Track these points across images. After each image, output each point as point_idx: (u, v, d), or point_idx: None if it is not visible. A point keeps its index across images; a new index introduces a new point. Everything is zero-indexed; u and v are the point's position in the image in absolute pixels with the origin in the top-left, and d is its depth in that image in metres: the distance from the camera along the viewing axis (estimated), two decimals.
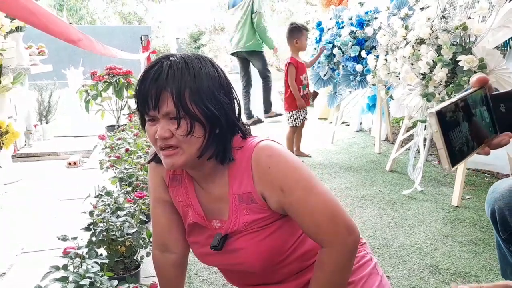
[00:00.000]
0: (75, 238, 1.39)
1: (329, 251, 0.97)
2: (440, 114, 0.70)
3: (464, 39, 2.46)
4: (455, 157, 0.71)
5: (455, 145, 0.71)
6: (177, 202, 1.11)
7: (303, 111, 3.77)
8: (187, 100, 0.90)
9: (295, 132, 3.83)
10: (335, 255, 0.96)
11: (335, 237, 0.95)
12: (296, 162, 0.98)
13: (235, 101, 1.00)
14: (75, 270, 1.23)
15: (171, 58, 0.93)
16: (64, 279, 1.19)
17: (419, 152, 2.96)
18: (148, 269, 1.76)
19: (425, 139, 2.93)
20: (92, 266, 1.24)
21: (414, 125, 2.97)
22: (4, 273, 1.88)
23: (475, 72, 2.34)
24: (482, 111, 0.77)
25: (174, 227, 1.14)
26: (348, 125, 5.19)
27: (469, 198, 2.68)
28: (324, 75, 4.20)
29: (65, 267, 1.24)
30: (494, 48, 2.44)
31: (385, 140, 4.31)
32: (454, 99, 0.73)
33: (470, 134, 0.74)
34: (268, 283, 1.10)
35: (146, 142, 2.82)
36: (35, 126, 4.33)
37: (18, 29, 3.52)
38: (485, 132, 0.77)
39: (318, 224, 0.95)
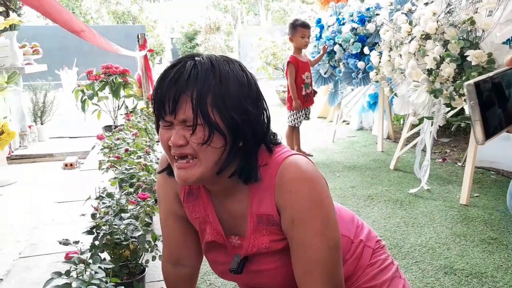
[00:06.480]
0: (77, 242, 1.32)
1: None
2: (477, 87, 0.70)
3: (471, 34, 2.41)
4: (488, 132, 0.72)
5: (489, 120, 0.72)
6: (193, 218, 1.02)
7: (306, 110, 3.70)
8: (209, 105, 0.79)
9: (294, 131, 3.76)
10: None
11: None
12: (320, 193, 0.86)
13: (265, 112, 0.89)
14: (78, 276, 1.15)
15: (195, 58, 0.83)
16: (67, 286, 1.12)
17: (424, 150, 2.91)
18: (153, 273, 1.68)
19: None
20: (97, 272, 1.17)
21: (420, 122, 2.92)
22: (1, 279, 1.80)
23: (483, 67, 2.29)
24: None
25: (188, 241, 1.06)
26: (348, 123, 5.14)
27: (476, 196, 2.63)
28: (325, 73, 4.14)
29: (68, 273, 1.16)
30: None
31: (386, 138, 4.26)
32: (490, 74, 0.73)
33: (503, 112, 0.75)
34: None
35: (146, 142, 2.75)
36: (29, 127, 4.23)
37: (12, 27, 3.43)
38: None
39: (310, 275, 0.86)
